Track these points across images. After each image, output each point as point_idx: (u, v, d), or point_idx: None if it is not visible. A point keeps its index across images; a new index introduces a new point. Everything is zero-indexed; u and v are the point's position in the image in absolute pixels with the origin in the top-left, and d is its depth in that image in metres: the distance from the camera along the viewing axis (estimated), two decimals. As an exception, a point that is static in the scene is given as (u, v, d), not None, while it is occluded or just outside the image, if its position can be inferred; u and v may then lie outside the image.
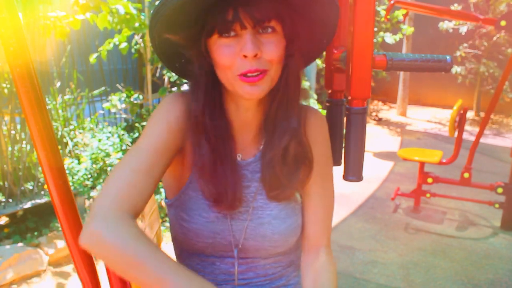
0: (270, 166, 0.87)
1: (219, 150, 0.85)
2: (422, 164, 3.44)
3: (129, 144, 3.59)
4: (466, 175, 3.37)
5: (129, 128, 3.97)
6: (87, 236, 0.66)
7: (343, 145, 0.96)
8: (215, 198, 0.85)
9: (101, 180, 3.31)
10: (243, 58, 0.76)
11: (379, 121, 7.57)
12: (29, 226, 2.78)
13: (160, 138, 0.80)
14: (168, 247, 2.20)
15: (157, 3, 0.77)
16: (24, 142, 2.88)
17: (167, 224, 2.99)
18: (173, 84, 4.00)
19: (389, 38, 6.36)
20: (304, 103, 0.92)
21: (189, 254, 0.94)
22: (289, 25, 0.81)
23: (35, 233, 2.71)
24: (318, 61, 5.94)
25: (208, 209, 0.87)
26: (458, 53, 7.40)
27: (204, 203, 0.87)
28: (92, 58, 3.25)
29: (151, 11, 3.68)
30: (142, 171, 0.74)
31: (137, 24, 2.84)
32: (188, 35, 0.82)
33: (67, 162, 3.20)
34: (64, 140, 3.45)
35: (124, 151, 3.51)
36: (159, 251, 0.65)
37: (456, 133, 3.39)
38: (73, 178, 3.08)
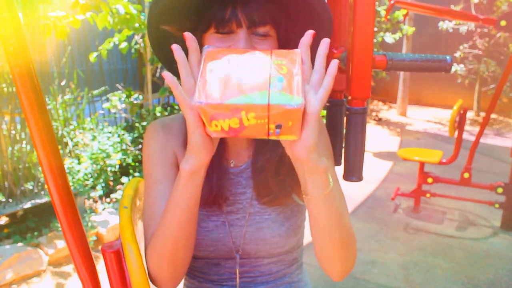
0: (261, 173, 0.87)
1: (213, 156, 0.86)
2: (422, 164, 3.45)
3: (129, 143, 3.59)
4: (466, 175, 3.37)
5: (129, 128, 3.97)
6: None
7: (343, 145, 0.96)
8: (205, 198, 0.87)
9: (101, 180, 3.31)
10: None
11: (379, 121, 7.56)
12: (29, 226, 2.78)
13: (161, 169, 0.87)
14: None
15: None
16: (24, 142, 2.88)
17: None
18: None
19: (389, 38, 6.36)
20: None
21: (193, 259, 0.95)
22: (283, 31, 0.82)
23: (35, 233, 2.71)
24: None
25: (206, 219, 0.89)
26: (458, 54, 7.40)
27: (201, 214, 0.89)
28: (93, 57, 3.25)
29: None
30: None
31: (137, 24, 2.85)
32: (185, 28, 0.82)
33: (67, 162, 3.20)
34: (64, 140, 3.45)
35: (124, 151, 3.50)
36: None
37: (456, 133, 3.39)
38: (73, 178, 3.08)
